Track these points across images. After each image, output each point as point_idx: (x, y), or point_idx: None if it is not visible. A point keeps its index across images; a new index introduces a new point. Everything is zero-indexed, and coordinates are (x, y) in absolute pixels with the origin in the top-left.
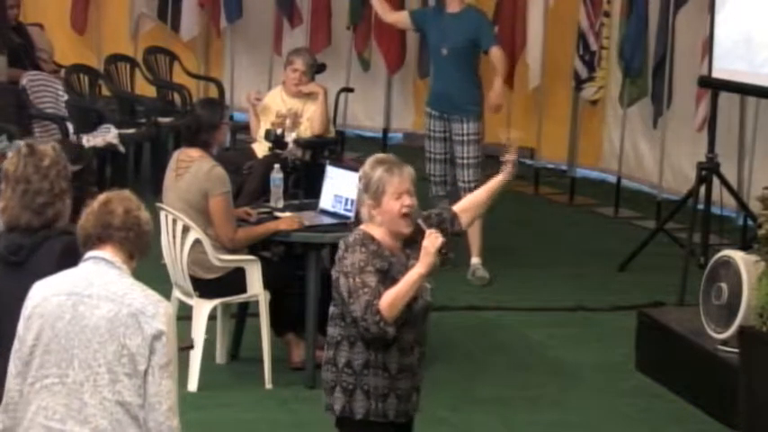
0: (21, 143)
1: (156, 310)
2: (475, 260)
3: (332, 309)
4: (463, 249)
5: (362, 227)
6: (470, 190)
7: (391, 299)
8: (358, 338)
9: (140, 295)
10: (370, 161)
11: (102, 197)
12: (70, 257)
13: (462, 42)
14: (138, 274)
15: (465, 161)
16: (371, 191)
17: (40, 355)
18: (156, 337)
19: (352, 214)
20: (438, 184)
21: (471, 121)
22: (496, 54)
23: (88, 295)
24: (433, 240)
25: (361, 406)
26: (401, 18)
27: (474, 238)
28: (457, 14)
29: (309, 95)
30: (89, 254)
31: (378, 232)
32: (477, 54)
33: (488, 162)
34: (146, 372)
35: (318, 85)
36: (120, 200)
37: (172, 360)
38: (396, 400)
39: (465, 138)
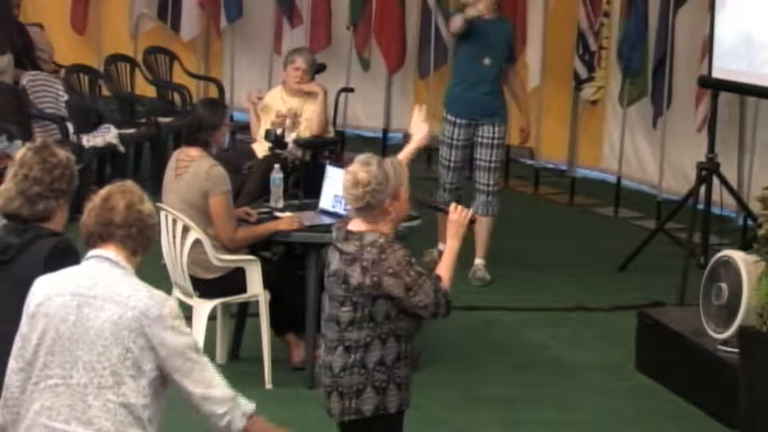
0: (19, 142)
1: (160, 312)
2: (478, 261)
3: (350, 314)
4: (464, 250)
5: (372, 229)
6: (492, 193)
7: (447, 276)
8: (390, 334)
9: (145, 296)
10: (370, 163)
11: (103, 192)
12: (58, 260)
13: (502, 52)
14: (138, 275)
15: (490, 164)
16: (392, 186)
17: (44, 356)
18: (162, 340)
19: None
20: (451, 192)
21: (500, 124)
22: (515, 76)
23: (93, 296)
24: (461, 213)
25: (394, 399)
26: (459, 24)
27: (482, 240)
28: (492, 22)
29: (309, 95)
30: (92, 252)
31: (387, 229)
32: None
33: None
34: (158, 372)
35: (318, 85)
36: (122, 193)
37: (188, 354)
38: (411, 386)
39: (494, 141)
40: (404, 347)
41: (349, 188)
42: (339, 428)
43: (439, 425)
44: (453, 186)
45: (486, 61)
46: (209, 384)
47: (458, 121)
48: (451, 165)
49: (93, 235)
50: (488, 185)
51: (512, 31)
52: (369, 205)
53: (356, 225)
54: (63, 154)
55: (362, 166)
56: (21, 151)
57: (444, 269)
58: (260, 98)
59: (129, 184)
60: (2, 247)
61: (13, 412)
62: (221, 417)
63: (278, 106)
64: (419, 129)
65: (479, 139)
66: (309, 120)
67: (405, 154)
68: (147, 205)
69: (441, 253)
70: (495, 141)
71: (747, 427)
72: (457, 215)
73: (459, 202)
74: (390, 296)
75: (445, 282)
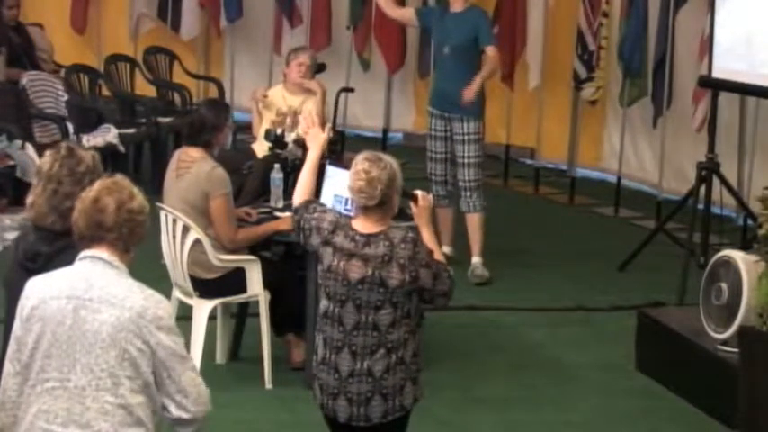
0: (19, 142)
1: (155, 314)
2: (475, 259)
3: (391, 315)
4: (462, 249)
5: (386, 224)
6: (471, 189)
7: (440, 257)
8: (417, 325)
9: (140, 297)
10: (381, 160)
11: (92, 193)
12: None
13: (464, 41)
14: (139, 275)
15: (466, 160)
16: (398, 182)
17: (41, 359)
18: (158, 341)
19: (352, 214)
20: (439, 183)
21: (472, 120)
22: (490, 54)
23: (89, 299)
24: (425, 199)
25: (421, 385)
26: (406, 14)
27: (474, 238)
28: (460, 14)
29: (309, 94)
30: (85, 252)
31: (390, 224)
32: (478, 53)
33: (488, 161)
34: (153, 373)
35: (318, 84)
36: (111, 192)
37: (184, 354)
38: None
39: (466, 137)
40: (422, 333)
41: (364, 188)
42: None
43: (439, 425)
44: (440, 178)
45: (446, 50)
46: (197, 387)
47: (434, 111)
48: (433, 156)
49: (84, 237)
50: (467, 181)
51: (481, 17)
52: (382, 203)
53: (366, 226)
54: (89, 157)
55: (374, 164)
56: (46, 162)
57: (437, 255)
58: (266, 96)
59: (119, 180)
60: (31, 254)
61: (10, 415)
62: (185, 428)
63: (279, 104)
64: (314, 136)
65: (454, 136)
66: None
67: (310, 165)
68: (138, 200)
69: (444, 255)
70: (468, 137)
71: (747, 427)
72: (424, 203)
73: (450, 195)
74: (423, 288)
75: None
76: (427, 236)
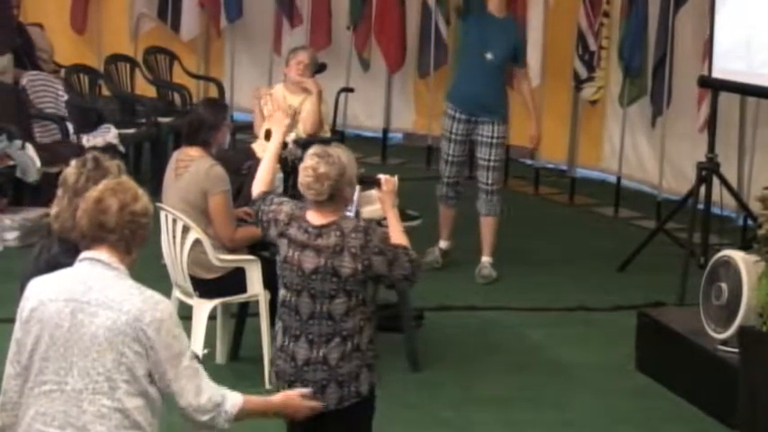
0: (19, 143)
1: (153, 317)
2: (485, 259)
3: (345, 304)
4: (470, 249)
5: (339, 214)
6: (493, 192)
7: (407, 243)
8: (372, 312)
9: (138, 300)
10: (329, 155)
11: (95, 193)
12: None
13: (508, 52)
14: (138, 275)
15: (490, 164)
16: (349, 175)
17: (39, 361)
18: (154, 345)
19: (351, 214)
20: (450, 185)
21: (500, 123)
22: (525, 81)
23: (86, 302)
24: (389, 183)
25: (377, 372)
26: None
27: (488, 239)
28: (501, 20)
29: (308, 94)
30: (85, 254)
31: (344, 213)
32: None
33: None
34: (150, 376)
35: (315, 83)
36: (115, 193)
37: (181, 359)
38: None
39: (493, 140)
40: (376, 319)
41: (312, 184)
42: (302, 421)
43: (439, 425)
44: (452, 180)
45: (489, 56)
46: (196, 392)
47: (457, 115)
48: (449, 159)
49: (85, 237)
50: (488, 184)
51: (519, 32)
52: (331, 197)
53: (318, 217)
54: (114, 168)
55: (322, 160)
56: (72, 174)
57: (401, 238)
58: (270, 95)
59: (124, 181)
60: (54, 264)
61: (11, 416)
62: (203, 424)
63: (279, 103)
64: (278, 121)
65: (479, 138)
66: (304, 120)
67: (272, 152)
68: (141, 203)
69: (442, 251)
70: (495, 140)
71: (747, 427)
72: (388, 186)
73: (458, 196)
74: (378, 275)
75: (411, 250)
76: (393, 220)
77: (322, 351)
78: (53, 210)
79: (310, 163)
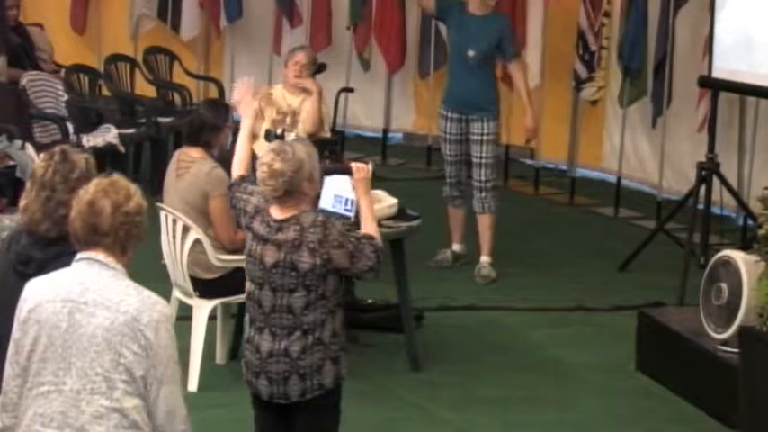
0: (19, 143)
1: (150, 317)
2: (484, 259)
3: (304, 298)
4: (473, 248)
5: (300, 209)
6: (485, 189)
7: (375, 233)
8: (337, 305)
9: (136, 300)
10: (285, 152)
11: (88, 195)
12: None
13: (489, 48)
14: (138, 275)
15: (482, 161)
16: (307, 170)
17: (37, 362)
18: (151, 344)
19: (351, 214)
20: (453, 185)
21: (490, 120)
22: (517, 73)
23: (84, 302)
24: (361, 170)
25: (344, 365)
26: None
27: (485, 238)
28: (482, 17)
29: (308, 94)
30: (81, 254)
31: (308, 208)
32: (495, 60)
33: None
34: (145, 377)
35: (314, 83)
36: (107, 194)
37: (170, 364)
38: None
39: (483, 137)
40: (343, 313)
41: (266, 180)
42: (268, 412)
43: (439, 425)
44: (454, 180)
45: (470, 53)
46: (179, 402)
47: (449, 114)
48: (448, 159)
49: (80, 240)
50: (481, 182)
51: (506, 26)
52: (287, 193)
53: (280, 212)
54: (82, 162)
55: (277, 157)
56: (40, 167)
57: (370, 228)
58: (270, 94)
59: (116, 180)
60: (24, 258)
61: (12, 416)
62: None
63: (279, 103)
64: (247, 104)
65: (471, 136)
66: (304, 120)
67: (244, 135)
68: (134, 201)
69: (454, 254)
70: (485, 137)
71: (747, 428)
72: (360, 174)
73: (463, 195)
74: (338, 268)
75: (378, 239)
76: (365, 207)
77: (284, 343)
78: (22, 202)
79: (266, 159)
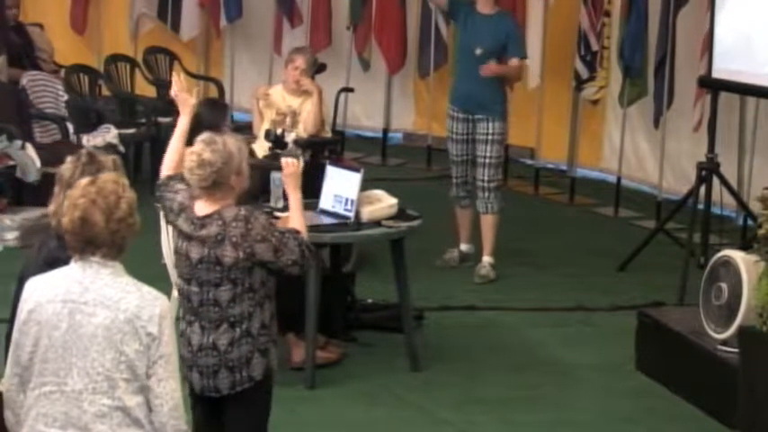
0: (19, 143)
1: (151, 313)
2: (485, 258)
3: (230, 292)
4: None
5: (225, 203)
6: (490, 190)
7: (303, 228)
8: (265, 297)
9: (135, 298)
10: (215, 142)
11: (78, 212)
12: None
13: (497, 46)
14: (139, 275)
15: (487, 160)
16: (236, 163)
17: (39, 363)
18: (153, 340)
19: (351, 214)
20: (460, 185)
21: (497, 120)
22: (516, 64)
23: (84, 302)
24: (292, 166)
25: (273, 357)
26: None
27: (488, 237)
28: (490, 16)
29: (308, 95)
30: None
31: (233, 203)
32: (503, 60)
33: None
34: (148, 373)
35: (314, 84)
36: (96, 203)
37: (171, 360)
38: None
39: (489, 137)
40: (273, 305)
41: (195, 169)
42: (201, 405)
43: (439, 425)
44: (460, 180)
45: (478, 51)
46: (180, 398)
47: (456, 114)
48: (455, 159)
49: (75, 248)
50: (485, 182)
51: (514, 25)
52: (215, 184)
53: (204, 207)
54: (110, 163)
55: (207, 146)
56: (67, 169)
57: (297, 223)
58: (268, 94)
59: (102, 183)
60: (51, 259)
61: (16, 414)
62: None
63: (279, 103)
64: (183, 101)
65: (477, 136)
66: (305, 120)
67: (179, 133)
68: (125, 201)
69: (462, 253)
70: (491, 137)
71: (747, 427)
72: (289, 169)
73: (469, 195)
74: (263, 262)
75: (304, 234)
76: (294, 203)
77: (212, 337)
78: (51, 207)
79: (196, 149)
